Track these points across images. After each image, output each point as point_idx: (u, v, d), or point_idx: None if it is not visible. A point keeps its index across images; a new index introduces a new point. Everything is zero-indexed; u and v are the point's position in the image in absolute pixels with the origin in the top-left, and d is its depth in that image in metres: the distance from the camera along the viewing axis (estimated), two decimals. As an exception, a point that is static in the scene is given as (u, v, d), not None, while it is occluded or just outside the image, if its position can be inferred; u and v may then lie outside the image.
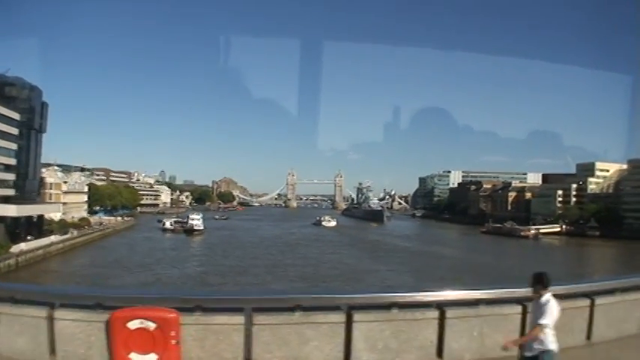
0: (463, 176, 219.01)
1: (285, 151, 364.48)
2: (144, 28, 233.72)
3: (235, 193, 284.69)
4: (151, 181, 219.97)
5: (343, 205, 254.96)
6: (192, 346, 7.65)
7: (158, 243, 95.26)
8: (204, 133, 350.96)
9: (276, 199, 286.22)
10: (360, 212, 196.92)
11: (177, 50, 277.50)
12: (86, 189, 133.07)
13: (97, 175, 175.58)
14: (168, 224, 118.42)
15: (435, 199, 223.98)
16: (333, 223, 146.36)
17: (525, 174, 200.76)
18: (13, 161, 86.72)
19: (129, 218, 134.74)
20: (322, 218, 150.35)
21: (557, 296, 9.29)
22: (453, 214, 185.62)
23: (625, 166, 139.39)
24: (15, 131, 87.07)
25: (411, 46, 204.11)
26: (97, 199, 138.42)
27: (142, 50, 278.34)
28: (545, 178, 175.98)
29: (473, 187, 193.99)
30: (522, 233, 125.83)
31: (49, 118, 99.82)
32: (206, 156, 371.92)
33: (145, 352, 7.28)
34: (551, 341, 6.94)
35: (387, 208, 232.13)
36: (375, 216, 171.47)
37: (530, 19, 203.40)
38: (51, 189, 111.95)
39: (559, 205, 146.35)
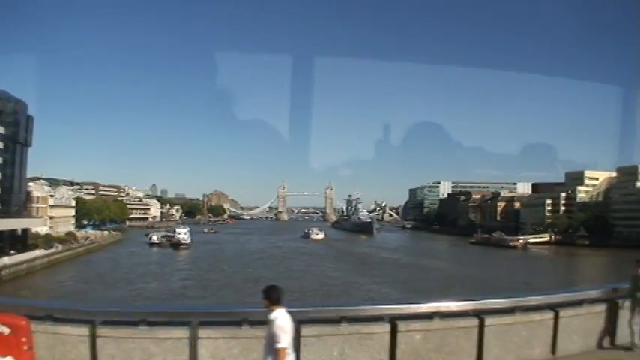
0: (453, 187, 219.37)
1: (276, 165, 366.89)
2: (135, 43, 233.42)
3: (226, 206, 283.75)
4: (141, 195, 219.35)
5: (334, 218, 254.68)
6: (44, 353, 7.60)
7: (143, 257, 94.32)
8: (196, 147, 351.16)
9: (267, 212, 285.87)
10: (349, 224, 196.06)
11: (169, 65, 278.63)
12: (74, 203, 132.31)
13: (87, 189, 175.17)
14: (155, 238, 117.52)
15: (425, 210, 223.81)
16: (320, 236, 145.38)
17: (515, 184, 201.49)
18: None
19: (116, 232, 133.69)
20: (310, 231, 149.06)
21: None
22: (443, 225, 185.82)
23: (614, 174, 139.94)
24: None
25: (402, 61, 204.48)
26: (84, 213, 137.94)
27: (134, 64, 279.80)
28: (535, 187, 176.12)
29: (462, 198, 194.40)
30: (511, 243, 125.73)
31: (36, 132, 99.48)
32: (197, 170, 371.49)
33: (3, 354, 7.24)
34: None
35: (378, 219, 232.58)
36: (365, 228, 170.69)
37: (520, 33, 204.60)
38: (37, 203, 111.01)
39: (548, 214, 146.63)
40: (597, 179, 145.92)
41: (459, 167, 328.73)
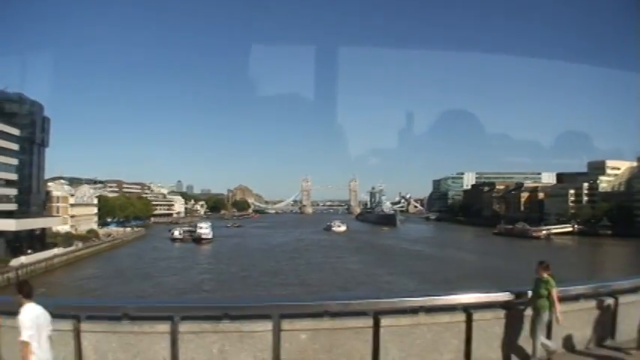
0: (477, 178, 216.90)
1: (301, 158, 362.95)
2: (157, 38, 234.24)
3: (250, 200, 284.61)
4: (165, 191, 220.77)
5: (358, 210, 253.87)
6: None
7: (165, 252, 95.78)
8: (220, 141, 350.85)
9: (292, 205, 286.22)
10: (373, 216, 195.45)
11: (192, 60, 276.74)
12: (95, 201, 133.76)
13: (110, 187, 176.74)
14: (177, 233, 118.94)
15: (449, 201, 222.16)
16: (343, 228, 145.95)
17: (540, 174, 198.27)
18: (14, 176, 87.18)
19: (139, 229, 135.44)
20: (332, 223, 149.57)
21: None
22: (467, 216, 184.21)
23: (635, 164, 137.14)
24: (15, 147, 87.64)
25: (426, 49, 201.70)
26: (107, 210, 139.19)
27: (158, 61, 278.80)
28: (560, 177, 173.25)
29: (486, 189, 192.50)
30: (534, 234, 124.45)
31: (57, 134, 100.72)
32: (222, 165, 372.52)
33: None
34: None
35: (403, 211, 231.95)
36: (388, 220, 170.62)
37: (545, 21, 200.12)
38: (57, 202, 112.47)
39: (571, 204, 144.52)
40: (619, 169, 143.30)
41: (484, 155, 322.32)
